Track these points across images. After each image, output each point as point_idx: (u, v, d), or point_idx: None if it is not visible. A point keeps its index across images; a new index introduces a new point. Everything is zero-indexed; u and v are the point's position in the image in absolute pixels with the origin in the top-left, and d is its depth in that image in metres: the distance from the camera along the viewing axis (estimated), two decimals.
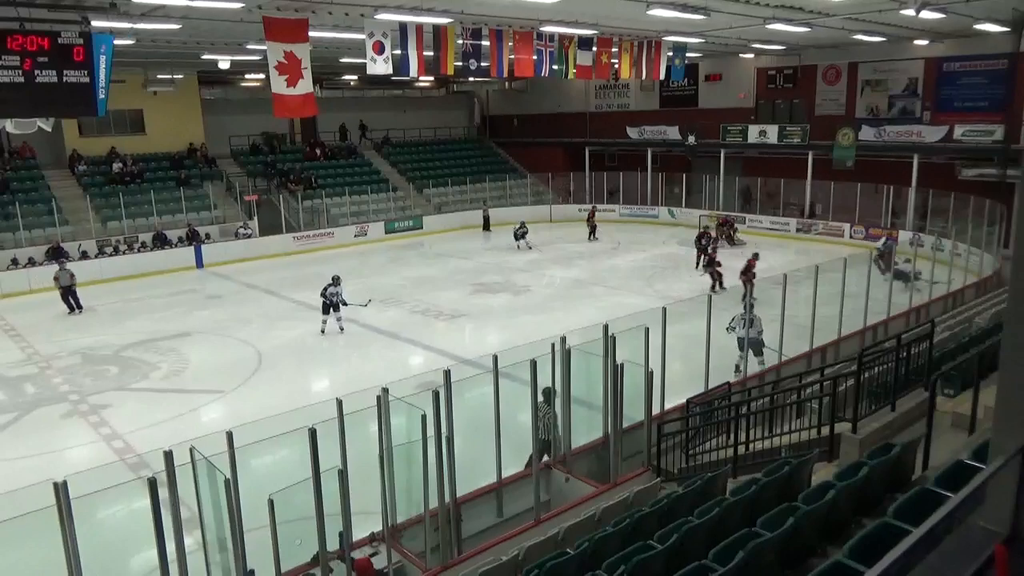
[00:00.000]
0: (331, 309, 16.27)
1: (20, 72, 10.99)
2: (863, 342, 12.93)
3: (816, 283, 12.70)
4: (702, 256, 21.68)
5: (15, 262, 22.52)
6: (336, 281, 16.32)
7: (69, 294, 19.19)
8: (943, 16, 18.15)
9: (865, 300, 13.74)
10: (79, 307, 19.28)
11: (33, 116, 11.94)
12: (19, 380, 14.29)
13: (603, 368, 8.57)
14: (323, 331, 16.32)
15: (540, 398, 8.31)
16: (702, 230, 24.47)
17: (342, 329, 16.34)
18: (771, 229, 28.43)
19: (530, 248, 26.00)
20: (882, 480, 5.66)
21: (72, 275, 19.50)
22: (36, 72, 11.15)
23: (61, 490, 5.08)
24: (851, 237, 25.96)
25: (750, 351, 12.40)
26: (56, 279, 19.23)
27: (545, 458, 8.83)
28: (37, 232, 23.97)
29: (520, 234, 26.41)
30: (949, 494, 3.18)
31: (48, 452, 11.11)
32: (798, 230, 27.63)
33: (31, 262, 22.68)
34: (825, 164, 27.23)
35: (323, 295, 16.22)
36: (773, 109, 30.76)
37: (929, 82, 26.27)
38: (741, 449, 8.54)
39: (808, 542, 5.12)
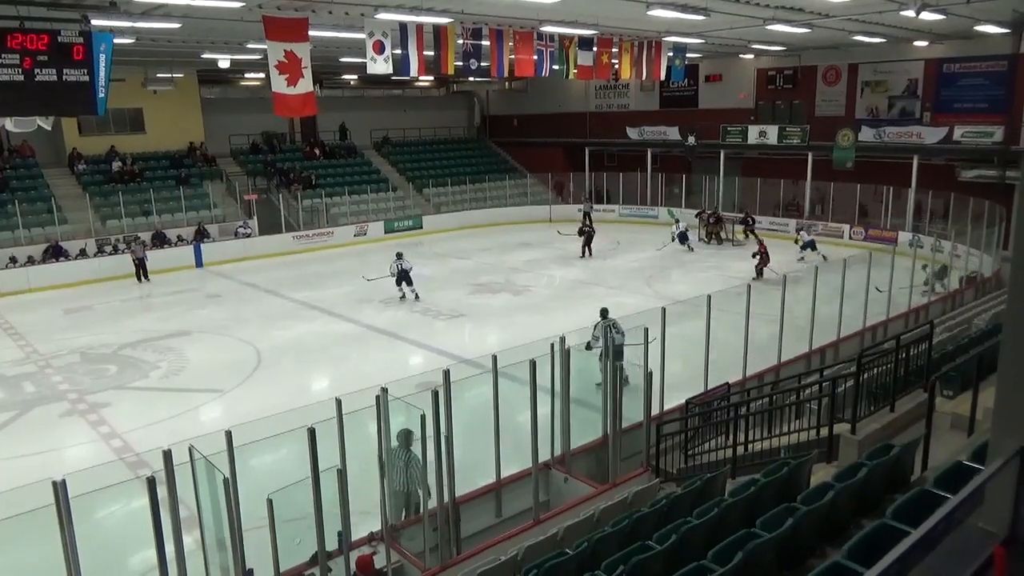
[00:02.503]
0: (403, 281, 18.20)
1: (20, 71, 10.96)
2: (862, 343, 12.95)
3: (815, 284, 12.71)
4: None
5: (14, 260, 22.50)
6: (400, 256, 18.31)
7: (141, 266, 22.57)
8: (943, 17, 18.16)
9: (864, 301, 13.76)
10: (146, 277, 22.66)
11: (33, 115, 11.92)
12: (18, 379, 14.28)
13: (602, 368, 8.58)
14: (403, 297, 18.41)
15: (395, 442, 7.31)
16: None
17: (417, 297, 18.20)
18: (771, 230, 28.43)
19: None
20: (881, 481, 5.66)
21: (144, 246, 23.25)
22: (36, 71, 11.12)
23: (60, 489, 5.07)
24: (851, 238, 25.98)
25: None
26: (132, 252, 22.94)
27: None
28: (36, 231, 23.95)
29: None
30: (948, 495, 3.18)
31: (47, 451, 11.11)
32: (798, 231, 27.61)
33: (30, 260, 22.67)
34: (825, 165, 27.25)
35: (396, 271, 18.12)
36: (773, 110, 30.77)
37: (929, 83, 26.28)
38: (740, 450, 8.55)
39: (807, 543, 5.13)
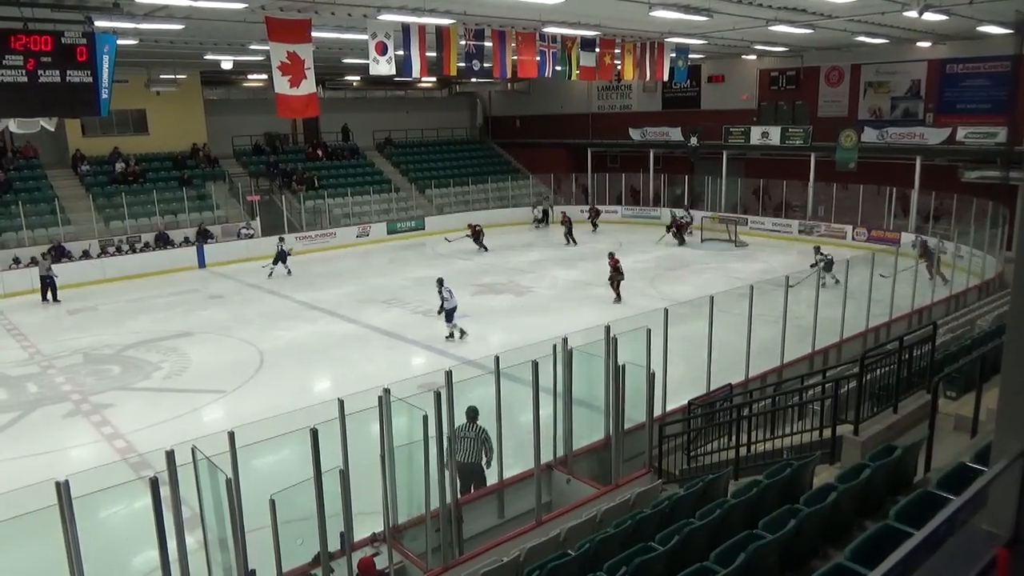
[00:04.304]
0: (452, 316, 15.83)
1: (23, 72, 10.99)
2: (865, 344, 12.93)
3: (818, 285, 12.70)
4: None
5: (17, 261, 22.55)
6: (440, 283, 16.03)
7: (48, 283, 20.54)
8: (946, 18, 18.13)
9: (867, 302, 13.75)
10: (55, 299, 20.54)
11: (36, 116, 11.93)
12: (21, 379, 14.31)
13: (605, 369, 8.57)
14: (451, 335, 15.89)
15: (464, 419, 8.03)
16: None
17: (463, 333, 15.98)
18: (773, 231, 28.44)
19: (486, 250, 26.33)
20: (884, 482, 5.65)
21: (50, 266, 20.81)
22: (39, 72, 11.15)
23: (63, 489, 5.08)
24: (854, 239, 25.95)
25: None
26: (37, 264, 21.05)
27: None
28: (40, 232, 24.01)
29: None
30: (951, 496, 3.18)
31: (50, 451, 11.13)
32: (800, 232, 27.63)
33: (33, 261, 22.68)
34: (828, 166, 27.23)
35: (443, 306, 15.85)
36: (776, 111, 30.75)
37: (932, 84, 26.26)
38: (743, 451, 8.54)
39: (810, 544, 5.12)
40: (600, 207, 31.97)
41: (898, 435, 7.48)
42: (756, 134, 29.49)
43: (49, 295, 20.44)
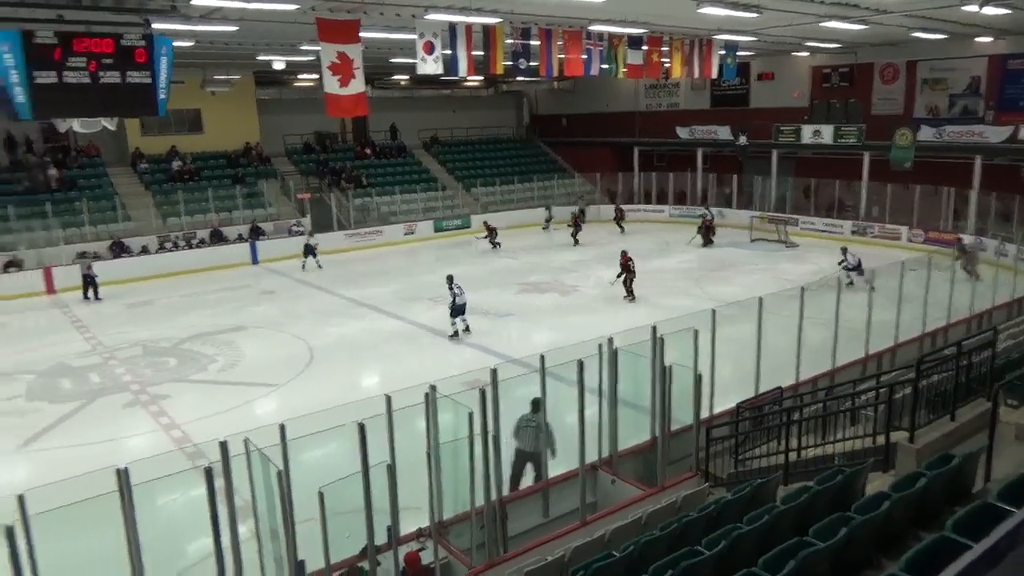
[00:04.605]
0: (459, 313, 15.98)
1: (86, 73, 11.40)
2: (921, 349, 12.57)
3: (871, 287, 12.39)
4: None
5: (81, 256, 23.38)
6: (450, 280, 16.04)
7: (89, 282, 20.86)
8: (1008, 11, 17.46)
9: (923, 305, 13.36)
10: (96, 296, 20.84)
11: (98, 116, 12.36)
12: (84, 370, 14.85)
13: (651, 370, 8.51)
14: (456, 334, 16.07)
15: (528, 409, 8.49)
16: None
17: (468, 329, 16.23)
18: (825, 231, 27.83)
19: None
20: (941, 492, 5.50)
21: (91, 264, 21.31)
22: (101, 73, 11.54)
23: (123, 477, 5.26)
24: (909, 240, 25.23)
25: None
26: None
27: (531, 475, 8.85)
28: (101, 227, 24.85)
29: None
30: (1012, 509, 3.09)
31: (110, 439, 11.53)
32: (853, 233, 26.97)
33: (96, 256, 23.53)
34: (882, 165, 26.52)
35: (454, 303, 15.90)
36: (828, 109, 30.05)
37: (992, 80, 25.36)
38: (792, 456, 8.39)
39: (862, 553, 5.02)
40: (645, 206, 31.70)
41: (955, 443, 7.27)
42: (807, 132, 28.87)
43: (90, 293, 20.83)
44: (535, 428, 8.62)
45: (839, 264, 19.34)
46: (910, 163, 25.46)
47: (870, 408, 8.78)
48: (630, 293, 18.92)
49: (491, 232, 27.11)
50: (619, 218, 30.47)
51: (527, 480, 8.89)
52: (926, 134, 25.47)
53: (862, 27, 20.11)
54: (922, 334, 13.36)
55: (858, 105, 29.01)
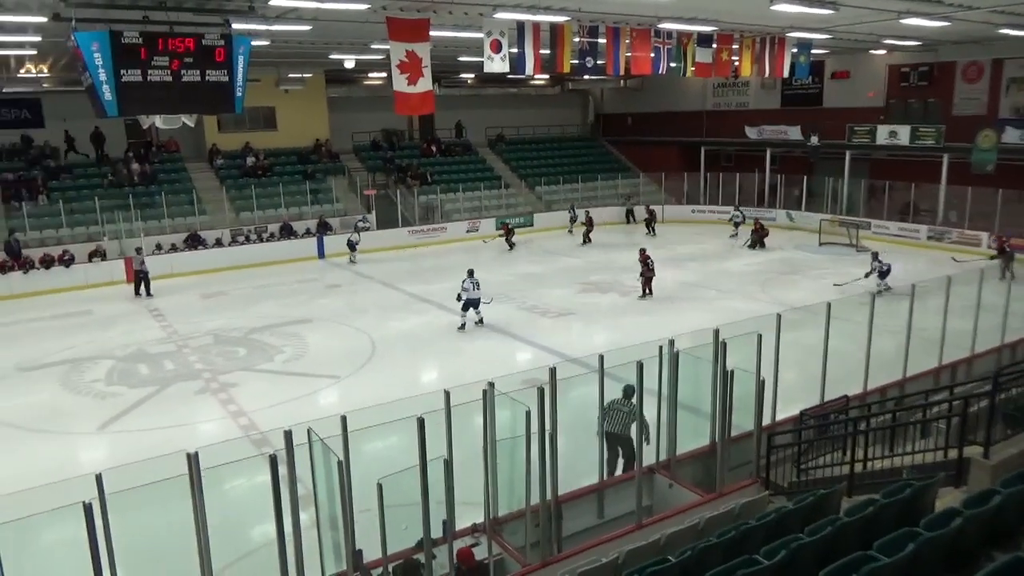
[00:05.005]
0: (472, 305, 16.58)
1: (169, 72, 11.87)
2: (999, 361, 11.99)
3: (948, 295, 11.88)
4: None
5: (159, 248, 24.41)
6: (470, 274, 16.69)
7: (141, 277, 20.93)
8: None
9: (1004, 315, 12.74)
10: (148, 293, 20.91)
11: (179, 113, 12.86)
12: (160, 357, 15.51)
13: (712, 374, 8.37)
14: (463, 327, 16.63)
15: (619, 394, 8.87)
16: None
17: (481, 322, 16.83)
18: (899, 236, 26.80)
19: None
20: (1017, 511, 5.25)
21: (143, 260, 21.28)
22: (182, 72, 12.00)
23: (193, 461, 5.47)
24: (990, 247, 24.06)
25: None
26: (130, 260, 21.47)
27: (620, 465, 9.06)
28: (179, 220, 25.87)
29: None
30: None
31: (182, 424, 12.02)
32: (929, 238, 25.90)
33: (173, 248, 24.55)
34: (962, 168, 25.38)
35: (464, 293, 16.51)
36: (906, 108, 28.94)
37: None
38: (858, 467, 8.12)
39: (930, 571, 4.83)
40: (711, 207, 31.16)
41: None
42: (883, 133, 27.86)
43: (142, 289, 20.92)
44: (626, 412, 8.91)
45: (866, 275, 19.04)
46: (992, 166, 24.29)
47: (942, 420, 8.43)
48: (646, 291, 19.16)
49: (508, 232, 27.17)
50: (650, 219, 29.89)
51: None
52: (1011, 136, 24.24)
53: (945, 24, 19.26)
54: (1000, 345, 12.74)
55: (938, 105, 27.84)
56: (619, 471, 9.13)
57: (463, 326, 16.56)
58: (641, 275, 19.14)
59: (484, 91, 36.90)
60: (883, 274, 18.84)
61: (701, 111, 35.67)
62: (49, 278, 21.92)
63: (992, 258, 17.99)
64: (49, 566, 7.38)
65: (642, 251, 19.43)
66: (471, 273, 16.71)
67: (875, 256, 19.44)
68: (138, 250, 22.08)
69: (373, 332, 16.67)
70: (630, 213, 32.31)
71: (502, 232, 27.52)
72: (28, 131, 27.20)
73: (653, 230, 29.47)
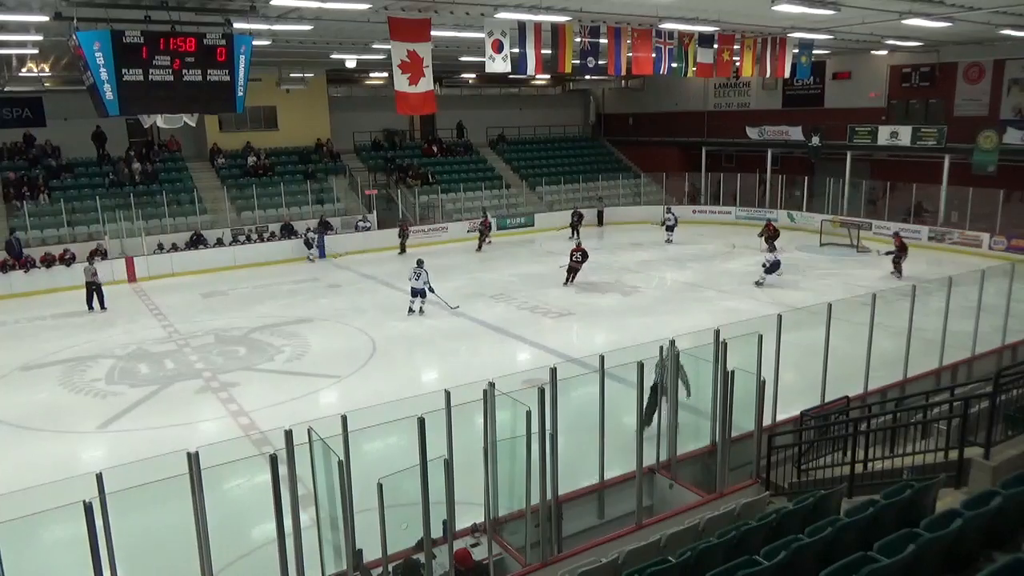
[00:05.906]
0: (418, 294, 17.79)
1: (170, 71, 11.87)
2: (1000, 362, 11.99)
3: (948, 296, 11.87)
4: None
5: (160, 247, 24.42)
6: (419, 264, 17.84)
7: (94, 290, 19.20)
8: None
9: (1005, 316, 12.73)
10: (103, 307, 19.21)
11: (180, 112, 12.87)
12: (160, 356, 15.51)
13: (713, 374, 8.37)
14: (410, 311, 17.88)
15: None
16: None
17: (422, 311, 17.91)
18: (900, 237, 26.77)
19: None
20: (1017, 512, 5.25)
21: (96, 271, 19.54)
22: (184, 71, 12.01)
23: (193, 460, 5.47)
24: (991, 248, 24.09)
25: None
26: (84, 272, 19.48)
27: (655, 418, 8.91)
28: (180, 220, 25.88)
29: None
30: None
31: (182, 424, 12.02)
32: (930, 238, 25.90)
33: (174, 247, 24.55)
34: (963, 169, 25.38)
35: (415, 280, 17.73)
36: (907, 109, 28.95)
37: None
38: (858, 468, 8.12)
39: (930, 572, 4.83)
40: (712, 207, 31.14)
41: None
42: (884, 134, 27.85)
43: (95, 303, 19.18)
44: (663, 363, 8.90)
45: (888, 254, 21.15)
46: (994, 167, 24.29)
47: (943, 421, 8.42)
48: (568, 279, 20.77)
49: (485, 228, 27.33)
50: (576, 223, 28.98)
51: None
52: (1012, 137, 24.25)
53: (947, 24, 19.25)
54: (1002, 346, 12.75)
55: (939, 106, 27.84)
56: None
57: (411, 310, 17.87)
58: (570, 266, 20.71)
59: (485, 91, 36.92)
60: (771, 268, 20.30)
61: (702, 111, 35.67)
62: (50, 277, 21.94)
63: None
64: (49, 565, 7.39)
65: (578, 244, 21.30)
66: (420, 263, 17.96)
67: (896, 234, 21.22)
68: (90, 259, 20.85)
69: (373, 332, 16.67)
70: (600, 215, 32.23)
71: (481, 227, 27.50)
72: (29, 130, 27.21)
73: (578, 233, 28.09)
